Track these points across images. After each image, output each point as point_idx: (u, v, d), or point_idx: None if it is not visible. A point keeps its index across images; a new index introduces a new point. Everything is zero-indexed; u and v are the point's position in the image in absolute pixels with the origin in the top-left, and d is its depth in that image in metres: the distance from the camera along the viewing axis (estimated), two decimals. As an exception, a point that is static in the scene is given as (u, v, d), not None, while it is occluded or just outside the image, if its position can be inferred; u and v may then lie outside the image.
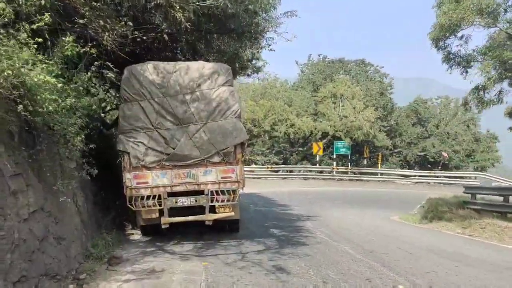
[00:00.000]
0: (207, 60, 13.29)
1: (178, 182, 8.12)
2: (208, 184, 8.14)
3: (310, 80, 37.29)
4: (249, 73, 15.00)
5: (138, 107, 8.06)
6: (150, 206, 8.01)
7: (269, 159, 32.86)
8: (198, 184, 8.16)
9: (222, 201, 8.12)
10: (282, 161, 34.88)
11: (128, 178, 8.06)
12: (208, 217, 8.22)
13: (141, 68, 8.15)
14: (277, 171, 31.48)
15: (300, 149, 35.50)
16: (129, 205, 8.11)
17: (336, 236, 9.89)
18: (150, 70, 8.12)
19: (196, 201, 8.19)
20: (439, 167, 35.68)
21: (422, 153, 38.22)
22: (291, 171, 32.28)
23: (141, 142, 8.05)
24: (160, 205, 8.02)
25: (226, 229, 9.49)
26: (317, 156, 32.26)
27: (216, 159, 8.15)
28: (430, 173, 32.28)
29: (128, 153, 8.08)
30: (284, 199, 19.97)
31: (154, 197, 8.04)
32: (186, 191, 8.22)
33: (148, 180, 8.08)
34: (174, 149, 8.07)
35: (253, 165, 31.05)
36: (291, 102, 32.25)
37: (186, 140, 8.06)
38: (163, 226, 8.21)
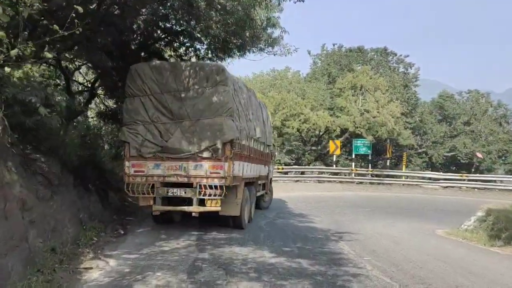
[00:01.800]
0: (209, 24, 10.32)
1: (170, 173, 8.75)
2: (197, 178, 8.68)
3: (325, 70, 33.99)
4: (262, 45, 11.83)
5: (139, 102, 8.82)
6: (144, 194, 8.79)
7: (279, 159, 29.64)
8: (188, 177, 8.73)
9: (210, 195, 8.59)
10: (293, 161, 31.69)
11: (127, 166, 8.86)
12: (195, 209, 8.87)
13: (144, 66, 9.00)
14: (287, 173, 28.29)
15: (314, 148, 32.32)
16: (126, 191, 8.87)
17: (399, 273, 6.71)
18: (152, 68, 8.88)
19: (185, 192, 8.78)
20: (473, 169, 32.29)
21: (449, 154, 34.83)
22: (303, 173, 29.11)
23: (140, 134, 8.78)
24: (153, 193, 8.77)
25: (230, 225, 9.88)
26: (334, 156, 29.04)
27: (206, 154, 8.68)
28: (462, 176, 28.95)
29: (128, 143, 8.84)
30: (300, 206, 16.87)
31: (148, 185, 8.77)
32: (177, 183, 8.80)
33: (144, 169, 8.82)
34: (167, 142, 8.73)
35: (261, 166, 27.86)
36: (304, 94, 29.03)
37: (179, 135, 8.68)
38: (153, 213, 9.21)
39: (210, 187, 8.60)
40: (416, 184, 29.21)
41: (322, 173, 28.87)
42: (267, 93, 29.16)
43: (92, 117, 16.71)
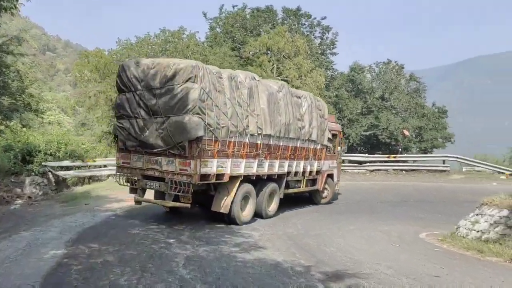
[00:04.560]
0: None
1: (148, 167, 9.56)
2: (169, 174, 9.24)
3: (228, 34, 28.81)
4: None
5: (125, 97, 9.81)
6: (129, 184, 10.00)
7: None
8: (161, 172, 9.38)
9: (179, 191, 9.08)
10: None
11: (117, 157, 10.18)
12: (165, 203, 9.74)
13: (129, 63, 9.87)
14: None
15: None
16: (116, 181, 10.41)
17: None
18: (135, 66, 9.68)
19: (159, 186, 9.52)
20: (400, 150, 30.27)
21: (367, 133, 32.55)
22: None
23: (124, 128, 9.79)
24: (135, 184, 9.84)
25: (226, 221, 10.34)
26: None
27: (176, 151, 9.10)
28: (390, 157, 26.61)
29: (117, 136, 10.08)
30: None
31: (133, 176, 9.87)
32: (154, 176, 9.55)
33: (129, 161, 9.90)
34: (142, 136, 9.46)
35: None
36: (206, 61, 23.65)
37: (153, 130, 9.33)
38: (135, 204, 10.32)
39: (180, 183, 9.04)
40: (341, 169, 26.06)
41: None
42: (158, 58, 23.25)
43: None
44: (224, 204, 9.97)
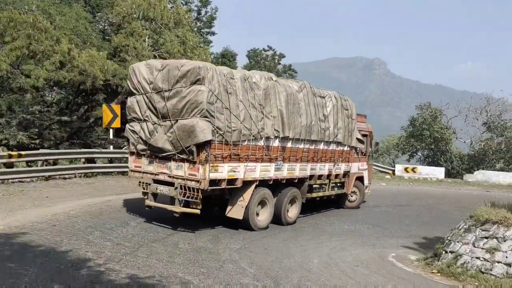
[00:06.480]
0: None
1: (159, 171, 9.54)
2: (178, 179, 9.17)
3: (80, -7, 22.44)
4: None
5: (135, 100, 9.76)
6: (142, 188, 10.06)
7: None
8: (171, 177, 9.32)
9: (188, 197, 9.01)
10: (37, 140, 18.94)
11: (130, 161, 10.21)
12: (175, 208, 9.34)
13: (140, 65, 9.75)
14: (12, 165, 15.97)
15: (67, 118, 20.75)
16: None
17: None
18: (144, 68, 9.56)
19: (169, 191, 9.39)
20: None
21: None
22: (54, 163, 17.22)
23: (135, 131, 9.78)
24: (146, 188, 9.89)
25: (241, 225, 10.15)
26: (110, 131, 18.56)
27: (184, 155, 8.93)
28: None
29: (129, 140, 10.10)
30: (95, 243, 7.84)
31: (144, 181, 9.94)
32: (165, 181, 9.49)
33: (141, 165, 9.87)
34: (151, 140, 9.41)
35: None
36: (52, 22, 17.31)
37: (161, 134, 9.24)
38: (146, 208, 10.03)
39: (189, 189, 8.97)
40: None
41: (91, 160, 18.24)
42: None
43: None
44: (238, 210, 9.81)
